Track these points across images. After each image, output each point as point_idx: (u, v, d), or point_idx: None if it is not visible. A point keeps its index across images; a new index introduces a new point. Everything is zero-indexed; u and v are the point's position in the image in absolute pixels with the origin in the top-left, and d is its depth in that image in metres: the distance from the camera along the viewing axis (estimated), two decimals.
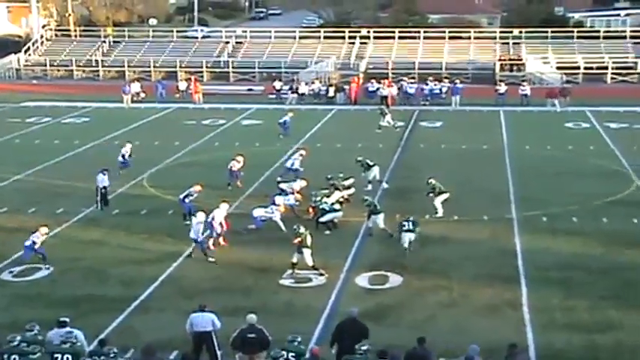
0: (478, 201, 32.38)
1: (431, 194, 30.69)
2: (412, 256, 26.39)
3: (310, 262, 24.85)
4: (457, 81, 59.94)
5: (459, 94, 57.66)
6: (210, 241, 27.26)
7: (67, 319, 18.36)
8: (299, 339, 17.57)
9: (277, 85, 61.90)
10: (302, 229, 25.34)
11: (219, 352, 18.87)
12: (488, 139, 45.45)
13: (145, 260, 26.36)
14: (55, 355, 17.09)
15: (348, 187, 32.06)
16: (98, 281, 24.65)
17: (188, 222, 28.40)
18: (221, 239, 27.70)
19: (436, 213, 30.26)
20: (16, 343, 17.03)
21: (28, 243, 25.86)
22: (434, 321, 21.72)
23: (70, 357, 17.03)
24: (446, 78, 63.34)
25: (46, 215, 31.06)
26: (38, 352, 17.10)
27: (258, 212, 29.18)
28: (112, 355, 16.91)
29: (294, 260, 24.84)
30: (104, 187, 31.99)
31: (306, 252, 24.94)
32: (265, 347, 17.95)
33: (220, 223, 27.63)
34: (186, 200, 30.10)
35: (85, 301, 23.05)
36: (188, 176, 34.44)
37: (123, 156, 37.14)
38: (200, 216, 26.83)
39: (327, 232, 28.79)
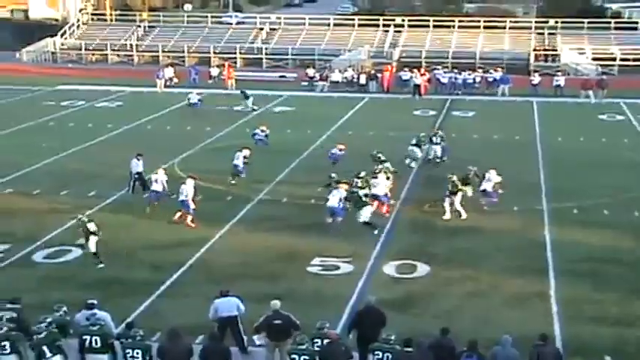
0: (508, 192, 32.18)
1: (449, 194, 29.15)
2: (441, 246, 26.39)
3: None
4: (499, 69, 60.28)
5: (508, 84, 57.46)
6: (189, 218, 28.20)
7: (95, 302, 18.51)
8: (327, 325, 17.58)
9: (310, 72, 61.84)
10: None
11: (244, 337, 18.97)
12: (521, 129, 45.19)
13: (174, 244, 26.50)
14: (84, 337, 17.22)
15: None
16: (127, 264, 24.83)
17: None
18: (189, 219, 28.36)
19: (460, 216, 29.04)
20: (45, 325, 17.19)
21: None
22: (461, 311, 21.67)
23: (98, 339, 17.16)
24: (480, 68, 63.14)
25: (78, 198, 31.38)
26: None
27: (334, 201, 28.09)
28: (138, 338, 17.03)
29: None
30: (138, 173, 32.07)
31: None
32: (296, 329, 17.88)
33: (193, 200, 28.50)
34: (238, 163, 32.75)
35: (114, 283, 23.22)
36: (219, 162, 34.54)
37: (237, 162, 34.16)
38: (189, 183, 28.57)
39: (375, 231, 27.83)
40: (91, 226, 24.92)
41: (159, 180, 30.02)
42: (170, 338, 17.12)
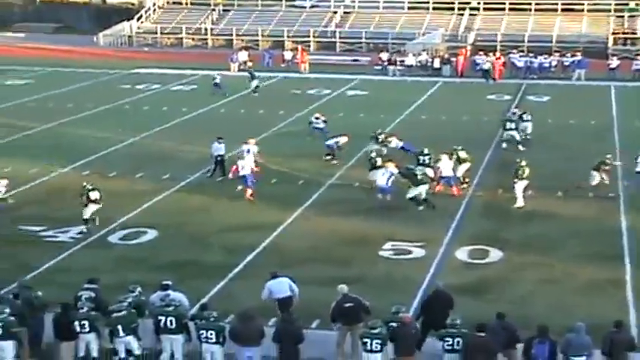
0: (584, 178, 31.75)
1: (516, 180, 28.66)
2: (514, 232, 26.19)
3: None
4: (577, 54, 59.23)
5: (585, 68, 56.65)
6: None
7: (170, 282, 18.77)
8: (403, 309, 17.61)
9: (384, 56, 61.61)
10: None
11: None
12: (597, 114, 44.51)
13: (247, 228, 26.70)
14: (159, 318, 17.51)
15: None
16: (201, 247, 25.11)
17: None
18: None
19: (515, 203, 28.54)
20: (125, 305, 17.53)
21: None
22: (533, 297, 21.48)
23: (173, 319, 17.42)
24: (556, 52, 62.30)
25: (153, 180, 31.82)
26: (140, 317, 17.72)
27: (382, 180, 28.67)
28: (212, 320, 17.26)
29: None
30: (219, 156, 32.16)
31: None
32: (368, 314, 17.94)
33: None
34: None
35: (188, 265, 23.51)
36: (292, 145, 34.69)
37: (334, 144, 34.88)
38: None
39: (420, 207, 28.22)
40: (93, 195, 26.08)
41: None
42: (242, 320, 17.31)
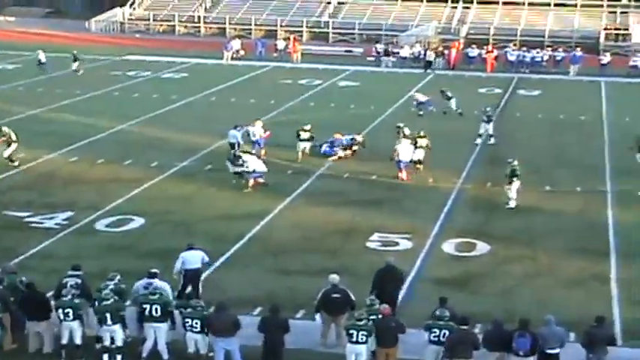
0: (572, 172, 31.86)
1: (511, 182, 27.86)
2: (501, 225, 26.22)
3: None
4: (578, 49, 59.09)
5: (578, 63, 56.64)
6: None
7: (157, 271, 18.73)
8: (377, 301, 17.60)
9: (379, 47, 61.52)
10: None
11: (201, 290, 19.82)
12: (587, 109, 44.55)
13: (234, 217, 26.66)
14: (144, 306, 17.50)
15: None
16: (187, 235, 24.89)
17: None
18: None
19: (507, 203, 27.85)
20: (108, 291, 17.48)
21: None
22: (518, 291, 21.51)
23: (159, 307, 17.42)
24: (548, 46, 62.35)
25: (142, 168, 31.72)
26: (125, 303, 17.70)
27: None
28: (198, 308, 17.24)
29: None
30: (232, 145, 31.96)
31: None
32: (352, 308, 18.03)
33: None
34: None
35: (173, 253, 23.18)
36: (282, 135, 34.59)
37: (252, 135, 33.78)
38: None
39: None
40: (13, 136, 30.12)
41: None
42: (215, 309, 17.31)
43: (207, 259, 20.34)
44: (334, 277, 18.49)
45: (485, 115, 36.62)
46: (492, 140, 36.14)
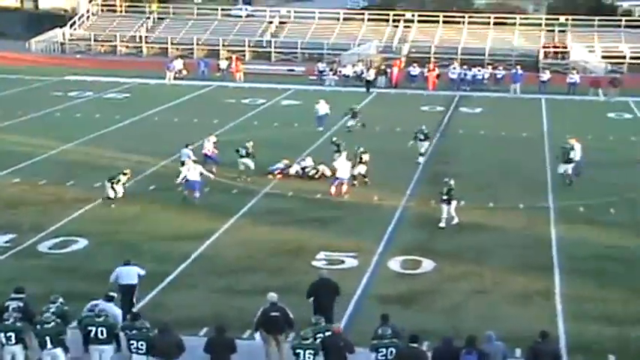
0: (515, 189, 32.18)
1: (445, 198, 27.96)
2: (446, 242, 26.38)
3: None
4: (518, 67, 59.61)
5: (519, 82, 57.11)
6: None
7: (115, 295, 18.67)
8: (322, 319, 17.56)
9: (320, 66, 61.79)
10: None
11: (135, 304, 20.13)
12: (528, 126, 45.09)
13: (179, 237, 26.51)
14: (89, 328, 17.27)
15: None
16: (132, 256, 24.39)
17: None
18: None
19: (452, 220, 27.88)
20: (49, 314, 17.22)
21: None
22: (464, 307, 21.64)
23: (104, 329, 17.21)
24: (489, 64, 63.09)
25: (85, 188, 31.39)
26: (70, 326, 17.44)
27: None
28: (144, 330, 17.07)
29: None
30: (183, 163, 31.67)
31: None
32: (290, 326, 18.03)
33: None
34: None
35: None
36: (226, 154, 34.48)
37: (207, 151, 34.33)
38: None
39: None
40: None
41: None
42: (158, 331, 17.14)
43: (142, 272, 20.58)
44: (272, 296, 18.45)
45: (422, 133, 36.74)
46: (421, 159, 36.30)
